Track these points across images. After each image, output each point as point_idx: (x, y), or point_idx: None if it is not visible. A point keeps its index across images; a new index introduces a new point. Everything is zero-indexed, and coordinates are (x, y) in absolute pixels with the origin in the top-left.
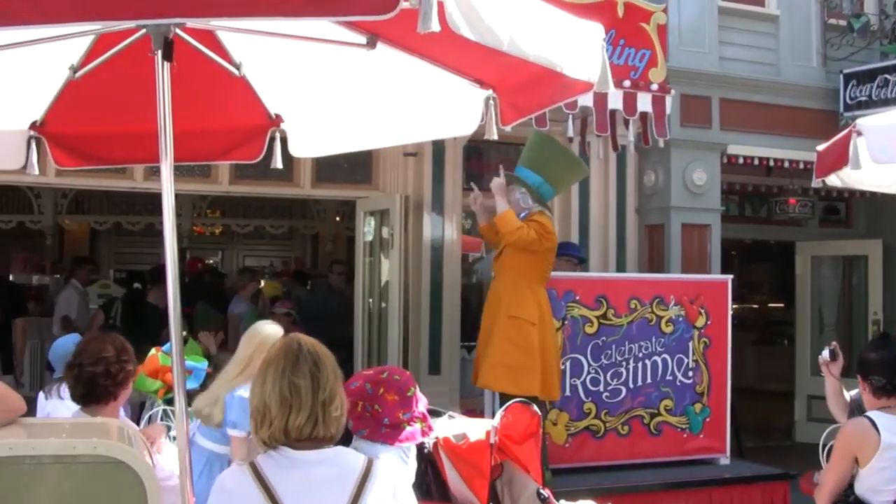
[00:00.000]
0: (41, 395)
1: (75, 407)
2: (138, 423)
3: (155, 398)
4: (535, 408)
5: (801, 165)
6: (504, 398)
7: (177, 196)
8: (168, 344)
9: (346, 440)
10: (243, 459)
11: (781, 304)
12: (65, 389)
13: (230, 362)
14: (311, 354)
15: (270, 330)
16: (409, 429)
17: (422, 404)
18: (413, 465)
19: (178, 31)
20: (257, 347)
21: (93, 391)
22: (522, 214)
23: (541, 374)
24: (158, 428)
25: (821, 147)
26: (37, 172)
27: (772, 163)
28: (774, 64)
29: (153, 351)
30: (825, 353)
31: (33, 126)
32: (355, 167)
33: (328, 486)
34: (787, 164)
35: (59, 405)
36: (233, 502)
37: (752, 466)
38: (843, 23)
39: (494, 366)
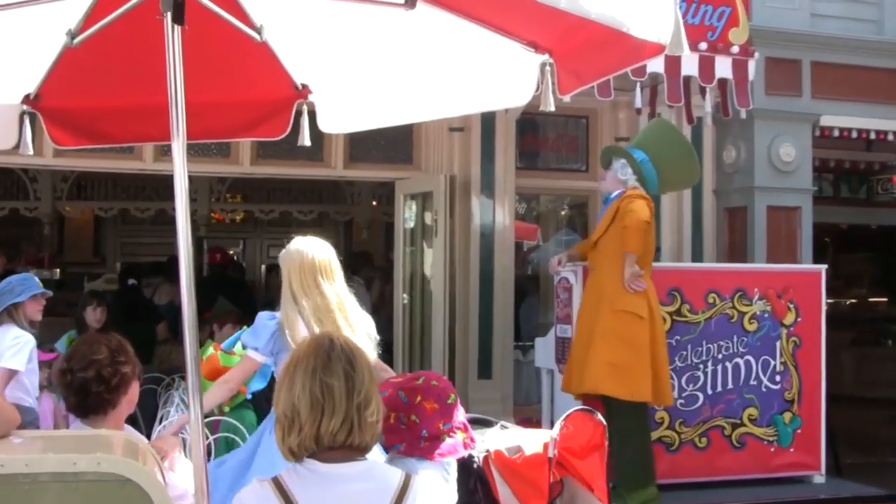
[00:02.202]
0: None
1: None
2: (149, 436)
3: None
4: (600, 417)
5: None
6: (608, 402)
7: (192, 178)
8: (228, 341)
9: None
10: None
11: (884, 299)
12: None
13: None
14: (344, 352)
15: (302, 245)
16: (449, 441)
17: (461, 414)
18: (454, 482)
19: None
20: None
21: (86, 400)
22: (616, 193)
23: (652, 375)
24: (172, 440)
25: None
26: (31, 152)
27: (873, 135)
28: (876, 20)
29: (211, 350)
30: None
31: (26, 100)
32: (394, 144)
33: None
34: (890, 137)
35: None
36: None
37: (851, 486)
38: None
39: (600, 366)
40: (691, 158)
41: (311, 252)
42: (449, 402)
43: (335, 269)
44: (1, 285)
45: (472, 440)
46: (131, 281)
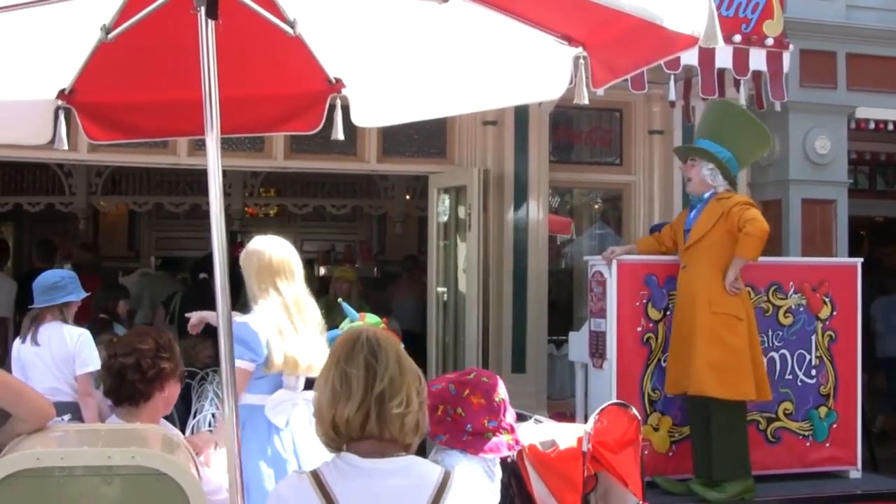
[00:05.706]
0: (17, 339)
1: (49, 357)
2: (183, 432)
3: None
4: (635, 411)
5: None
6: (714, 402)
7: (226, 173)
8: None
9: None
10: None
11: None
12: (41, 332)
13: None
14: (368, 342)
15: (261, 245)
16: (494, 439)
17: (510, 415)
18: (499, 481)
19: None
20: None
21: (121, 386)
22: (708, 193)
23: (753, 373)
24: (206, 437)
25: None
26: (66, 147)
27: None
28: None
29: (358, 321)
30: None
31: (61, 95)
32: (427, 138)
33: (398, 500)
34: None
35: (30, 354)
36: None
37: (888, 481)
38: None
39: (703, 368)
40: (763, 133)
41: (270, 252)
42: (496, 400)
43: (294, 268)
44: (50, 280)
45: (518, 442)
46: (202, 275)
